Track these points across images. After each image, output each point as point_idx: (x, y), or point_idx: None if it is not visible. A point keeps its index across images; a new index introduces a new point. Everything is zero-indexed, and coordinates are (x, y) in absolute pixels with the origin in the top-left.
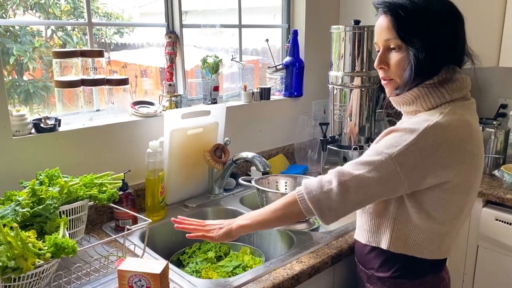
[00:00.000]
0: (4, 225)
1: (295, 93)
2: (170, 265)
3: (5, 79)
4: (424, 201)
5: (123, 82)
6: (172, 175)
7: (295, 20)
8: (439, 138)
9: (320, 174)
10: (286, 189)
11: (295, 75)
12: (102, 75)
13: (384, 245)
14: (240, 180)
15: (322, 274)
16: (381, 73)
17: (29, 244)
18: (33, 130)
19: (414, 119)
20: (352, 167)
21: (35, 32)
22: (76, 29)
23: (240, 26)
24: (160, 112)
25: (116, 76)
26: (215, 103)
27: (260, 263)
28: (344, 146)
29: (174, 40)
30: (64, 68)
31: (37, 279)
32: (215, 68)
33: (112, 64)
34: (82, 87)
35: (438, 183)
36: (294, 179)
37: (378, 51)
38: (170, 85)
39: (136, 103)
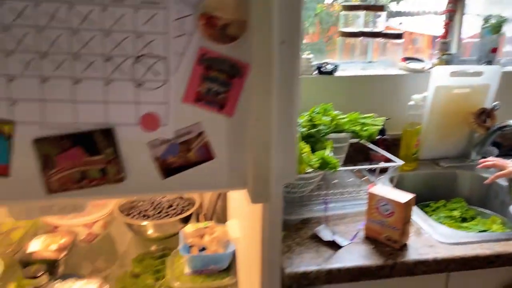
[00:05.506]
0: None
1: None
2: (416, 209)
3: None
4: None
5: (399, 36)
6: (430, 131)
7: None
8: None
9: None
10: None
11: None
12: (380, 29)
13: None
14: None
15: None
16: None
17: (303, 155)
18: (315, 72)
19: None
20: None
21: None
22: None
23: None
24: (428, 69)
25: (392, 31)
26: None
27: None
28: None
29: None
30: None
31: (305, 183)
32: (497, 28)
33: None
34: (361, 38)
35: None
36: None
37: None
38: (443, 42)
39: (407, 58)
